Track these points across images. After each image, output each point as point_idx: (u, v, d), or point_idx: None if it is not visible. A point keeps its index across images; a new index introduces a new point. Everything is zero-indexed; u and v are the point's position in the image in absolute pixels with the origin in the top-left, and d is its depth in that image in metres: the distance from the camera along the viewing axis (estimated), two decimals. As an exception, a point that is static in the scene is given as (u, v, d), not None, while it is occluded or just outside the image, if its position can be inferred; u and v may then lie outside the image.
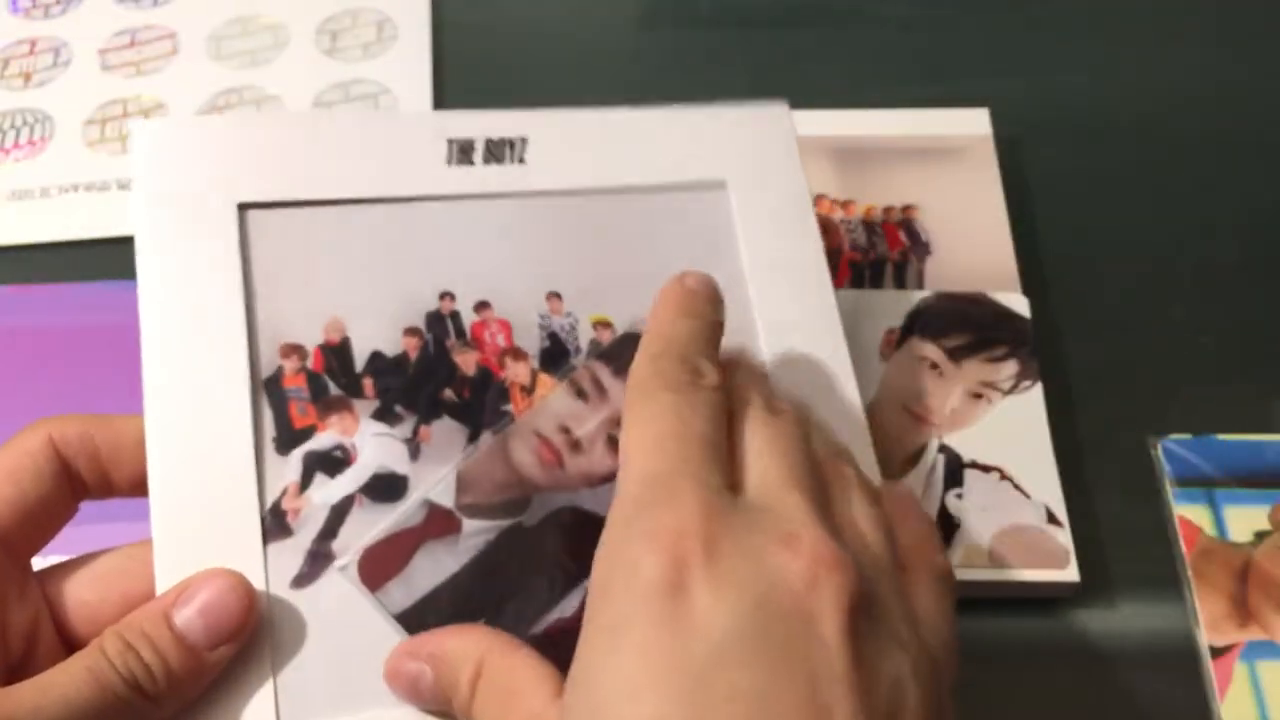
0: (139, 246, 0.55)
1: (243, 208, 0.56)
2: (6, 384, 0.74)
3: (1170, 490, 0.71)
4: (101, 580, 0.52)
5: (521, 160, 0.60)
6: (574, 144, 0.61)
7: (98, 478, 0.53)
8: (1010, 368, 0.72)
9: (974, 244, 0.79)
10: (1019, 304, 0.75)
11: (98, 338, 0.76)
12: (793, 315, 0.59)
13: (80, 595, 0.52)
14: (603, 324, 0.58)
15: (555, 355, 0.57)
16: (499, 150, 0.60)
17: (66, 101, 0.89)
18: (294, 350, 0.55)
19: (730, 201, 0.62)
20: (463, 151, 0.59)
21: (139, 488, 0.52)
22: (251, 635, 0.50)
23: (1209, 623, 0.67)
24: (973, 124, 0.84)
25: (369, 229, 0.58)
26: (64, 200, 0.83)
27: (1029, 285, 0.77)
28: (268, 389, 0.54)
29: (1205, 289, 0.81)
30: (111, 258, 0.80)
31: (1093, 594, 0.68)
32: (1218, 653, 0.66)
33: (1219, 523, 0.70)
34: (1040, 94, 0.89)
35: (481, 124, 0.60)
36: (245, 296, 0.55)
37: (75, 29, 0.93)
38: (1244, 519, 0.71)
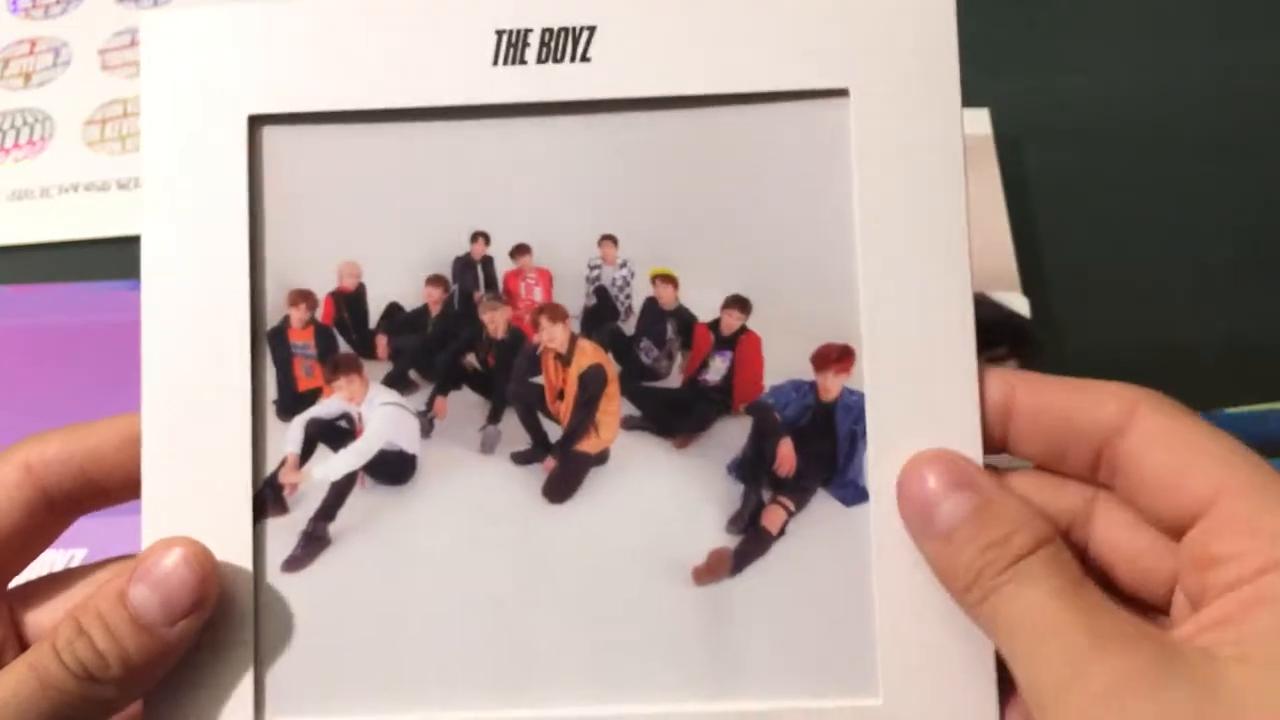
0: (142, 162, 0.46)
1: (254, 121, 0.46)
2: (6, 384, 0.72)
3: None
4: (70, 602, 0.46)
5: (585, 58, 0.46)
6: (652, 37, 0.46)
7: (87, 491, 0.46)
8: (1010, 367, 0.64)
9: (974, 244, 0.73)
10: (1019, 304, 0.73)
11: (98, 338, 0.73)
12: (909, 283, 0.45)
13: (51, 616, 0.46)
14: (664, 278, 0.46)
15: (600, 315, 0.46)
16: (558, 43, 0.46)
17: (66, 101, 0.86)
18: (303, 298, 0.46)
19: (850, 118, 0.46)
20: (513, 45, 0.46)
21: (132, 490, 0.45)
22: (213, 607, 0.43)
23: None
24: (973, 124, 0.81)
25: (396, 152, 0.46)
26: (64, 200, 0.81)
27: (1029, 285, 0.76)
28: (271, 342, 0.45)
29: (1205, 289, 0.78)
30: (111, 258, 0.79)
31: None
32: None
33: None
34: (1040, 94, 0.86)
35: (539, 9, 0.46)
36: (251, 230, 0.45)
37: (75, 29, 0.90)
38: None
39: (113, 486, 0.46)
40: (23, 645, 0.46)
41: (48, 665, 0.41)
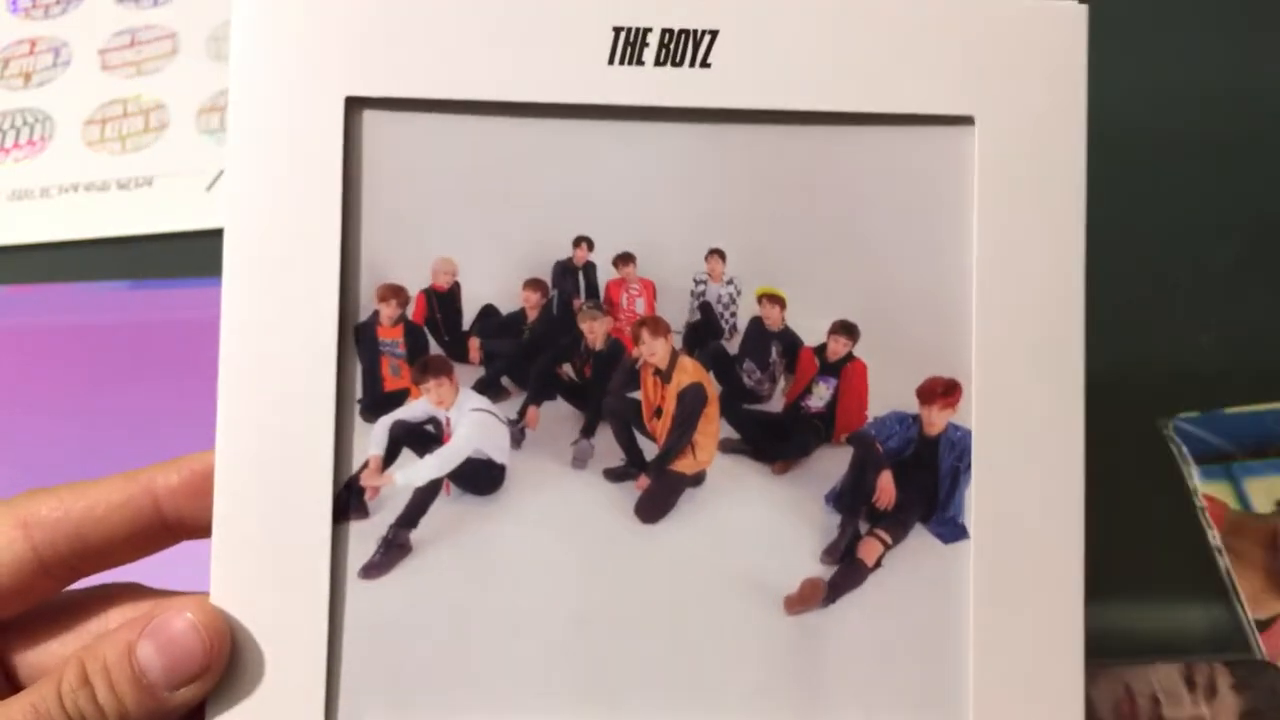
0: (228, 142, 0.42)
1: (352, 104, 0.42)
2: (6, 384, 0.70)
3: (1192, 470, 0.69)
4: (70, 633, 0.44)
5: (705, 64, 0.43)
6: (776, 48, 0.43)
7: (83, 556, 0.43)
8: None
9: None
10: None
11: (98, 338, 0.71)
12: (1024, 319, 0.43)
13: (49, 650, 0.44)
14: (772, 298, 0.44)
15: (704, 332, 0.43)
16: (678, 46, 0.43)
17: (66, 101, 0.84)
18: (394, 293, 0.43)
19: (975, 147, 0.43)
20: (631, 45, 0.43)
21: (130, 554, 0.43)
22: (220, 675, 0.41)
23: (1249, 597, 0.65)
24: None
25: (500, 147, 0.43)
26: (64, 200, 0.79)
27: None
28: (359, 338, 0.42)
29: (1205, 289, 0.78)
30: (111, 258, 0.77)
31: (1119, 585, 0.65)
32: (1264, 625, 0.64)
33: (1241, 496, 0.69)
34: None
35: (661, 8, 0.43)
36: (344, 218, 0.42)
37: (75, 29, 0.88)
38: (1264, 490, 0.69)
39: (112, 550, 0.43)
40: (8, 672, 0.44)
41: (50, 709, 0.40)
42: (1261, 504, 0.68)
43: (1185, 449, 0.69)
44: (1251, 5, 0.89)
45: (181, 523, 0.43)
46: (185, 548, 0.44)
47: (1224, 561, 0.66)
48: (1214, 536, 0.67)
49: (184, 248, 0.75)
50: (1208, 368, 0.74)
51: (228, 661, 0.41)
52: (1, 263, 0.77)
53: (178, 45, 0.86)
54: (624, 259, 0.43)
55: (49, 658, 0.44)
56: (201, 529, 0.43)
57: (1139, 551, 0.66)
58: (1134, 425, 0.71)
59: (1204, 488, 0.68)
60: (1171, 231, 0.79)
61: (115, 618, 0.44)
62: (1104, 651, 0.62)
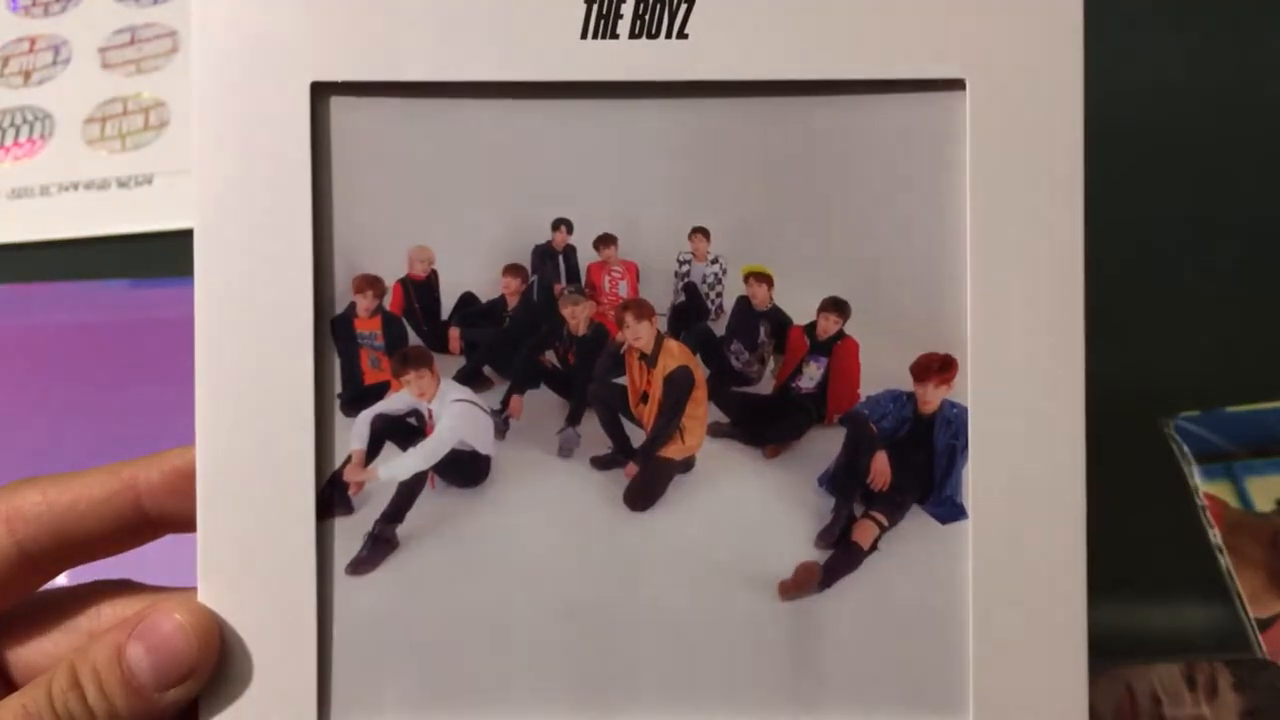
0: (194, 135, 0.41)
1: (319, 89, 0.41)
2: (6, 383, 0.69)
3: (1193, 469, 0.69)
4: (59, 632, 0.44)
5: (682, 34, 0.41)
6: (755, 15, 0.41)
7: (66, 550, 0.42)
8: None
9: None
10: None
11: (98, 337, 0.70)
12: (1020, 291, 0.41)
13: (39, 648, 0.43)
14: (758, 277, 0.42)
15: (689, 314, 0.42)
16: (653, 17, 0.41)
17: (66, 100, 0.84)
18: (370, 284, 0.41)
19: (966, 112, 0.41)
20: (605, 17, 0.41)
21: (115, 546, 0.43)
22: (210, 675, 0.40)
23: (1250, 596, 0.65)
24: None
25: (474, 130, 0.41)
26: (64, 199, 0.79)
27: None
28: (336, 331, 0.41)
29: (1205, 289, 0.77)
30: (112, 256, 0.77)
31: (1120, 584, 0.64)
32: (1264, 625, 0.64)
33: (1242, 495, 0.68)
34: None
35: None
36: (315, 209, 0.41)
37: (75, 27, 0.87)
38: (1265, 489, 0.69)
39: (94, 544, 0.43)
40: (2, 670, 0.43)
41: (41, 710, 0.40)
42: (1262, 503, 0.67)
43: (1186, 448, 0.69)
44: (1252, 5, 0.87)
45: (163, 518, 0.43)
46: (171, 538, 0.43)
47: (1225, 560, 0.65)
48: (1215, 535, 0.66)
49: (184, 246, 0.73)
50: (1208, 367, 0.73)
51: (217, 661, 0.40)
52: (1, 261, 0.77)
53: (178, 43, 0.85)
54: (605, 241, 0.42)
55: (40, 655, 0.43)
56: (184, 524, 0.42)
57: (1139, 551, 0.65)
58: (1134, 424, 0.70)
59: (1205, 487, 0.68)
60: (1171, 231, 0.78)
61: (106, 614, 0.44)
62: (1105, 651, 0.60)
